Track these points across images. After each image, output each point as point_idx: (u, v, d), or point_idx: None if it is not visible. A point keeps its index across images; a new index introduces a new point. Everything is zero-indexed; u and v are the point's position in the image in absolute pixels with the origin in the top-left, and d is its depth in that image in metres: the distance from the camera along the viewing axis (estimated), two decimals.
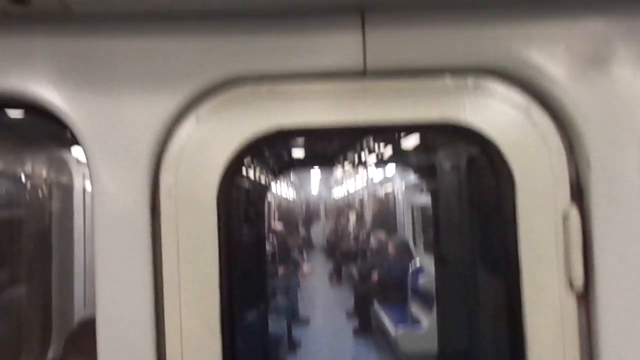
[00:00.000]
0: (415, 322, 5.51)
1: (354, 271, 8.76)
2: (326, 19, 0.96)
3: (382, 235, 8.17)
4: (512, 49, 0.98)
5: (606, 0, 0.98)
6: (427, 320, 5.15)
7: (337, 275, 10.12)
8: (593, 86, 0.97)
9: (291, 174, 12.58)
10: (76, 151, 2.59)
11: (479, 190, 1.85)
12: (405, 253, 6.85)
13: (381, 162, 5.48)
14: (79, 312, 2.60)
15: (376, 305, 6.48)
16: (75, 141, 0.98)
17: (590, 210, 0.95)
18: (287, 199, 15.46)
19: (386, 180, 9.42)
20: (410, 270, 6.09)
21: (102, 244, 0.95)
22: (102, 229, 0.95)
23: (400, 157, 4.23)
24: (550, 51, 0.98)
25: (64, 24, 0.94)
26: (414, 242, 7.02)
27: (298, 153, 4.02)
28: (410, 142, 3.41)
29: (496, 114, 0.98)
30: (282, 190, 13.90)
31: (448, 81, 0.99)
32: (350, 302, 7.46)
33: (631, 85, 0.97)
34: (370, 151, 4.70)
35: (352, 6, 0.96)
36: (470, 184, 1.99)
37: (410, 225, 7.30)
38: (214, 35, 0.96)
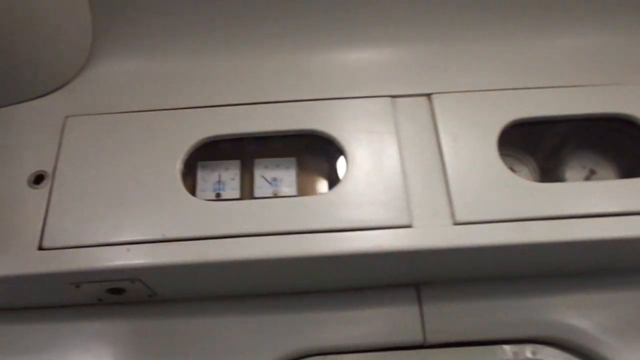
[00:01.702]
0: None
1: None
2: (383, 294, 1.04)
3: None
4: (565, 319, 1.02)
5: None
6: None
7: None
8: None
9: None
10: None
11: None
12: None
13: None
14: None
15: None
16: None
17: None
18: None
19: None
20: None
21: None
22: None
23: None
24: (603, 319, 1.01)
25: (146, 306, 1.03)
26: None
27: None
28: None
29: None
30: None
31: (507, 349, 1.01)
32: None
33: None
34: None
35: (407, 283, 1.04)
36: None
37: None
38: (280, 312, 1.03)
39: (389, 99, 1.01)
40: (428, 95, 1.02)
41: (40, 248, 0.89)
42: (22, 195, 0.94)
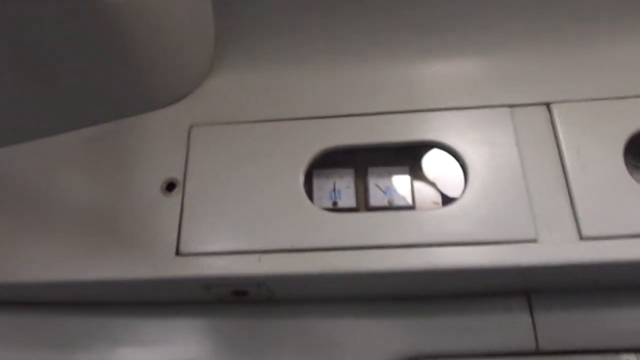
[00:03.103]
0: None
1: None
2: (493, 301, 1.04)
3: None
4: None
5: None
6: None
7: None
8: None
9: None
10: None
11: None
12: None
13: None
14: None
15: None
16: None
17: None
18: None
19: None
20: None
21: None
22: None
23: None
24: None
25: (263, 306, 1.07)
26: None
27: None
28: None
29: None
30: None
31: (623, 359, 1.00)
32: None
33: None
34: None
35: (518, 290, 1.04)
36: None
37: None
38: (393, 315, 1.05)
39: (507, 108, 1.01)
40: (547, 104, 1.00)
41: (178, 254, 0.95)
42: (156, 203, 1.00)
